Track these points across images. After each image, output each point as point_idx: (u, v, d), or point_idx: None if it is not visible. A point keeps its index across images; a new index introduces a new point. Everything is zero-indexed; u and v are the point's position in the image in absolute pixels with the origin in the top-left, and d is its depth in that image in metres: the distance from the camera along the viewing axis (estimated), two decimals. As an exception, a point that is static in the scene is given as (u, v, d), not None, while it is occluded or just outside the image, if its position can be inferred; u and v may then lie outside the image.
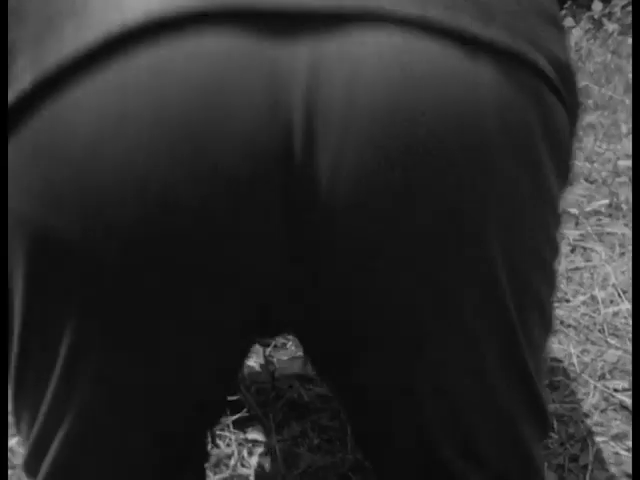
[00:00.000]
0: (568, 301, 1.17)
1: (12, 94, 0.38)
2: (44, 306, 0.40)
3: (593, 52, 2.58)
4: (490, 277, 0.41)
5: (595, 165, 1.69)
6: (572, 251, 1.33)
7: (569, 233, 1.39)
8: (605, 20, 2.74)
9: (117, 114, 0.36)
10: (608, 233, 1.39)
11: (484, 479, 0.48)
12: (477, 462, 0.48)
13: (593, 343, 1.05)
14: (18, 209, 0.38)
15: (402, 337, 0.42)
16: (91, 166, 0.36)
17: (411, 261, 0.39)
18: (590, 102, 2.18)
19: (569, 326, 1.10)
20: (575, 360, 1.01)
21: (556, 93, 0.43)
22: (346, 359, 0.45)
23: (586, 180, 1.65)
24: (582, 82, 2.29)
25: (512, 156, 0.39)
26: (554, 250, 0.47)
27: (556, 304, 1.13)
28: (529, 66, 0.40)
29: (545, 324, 0.49)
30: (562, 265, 1.26)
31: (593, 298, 1.17)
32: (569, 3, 3.16)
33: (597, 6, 2.86)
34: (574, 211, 1.47)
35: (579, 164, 1.71)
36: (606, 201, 1.50)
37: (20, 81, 0.38)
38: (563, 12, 3.12)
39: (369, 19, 0.37)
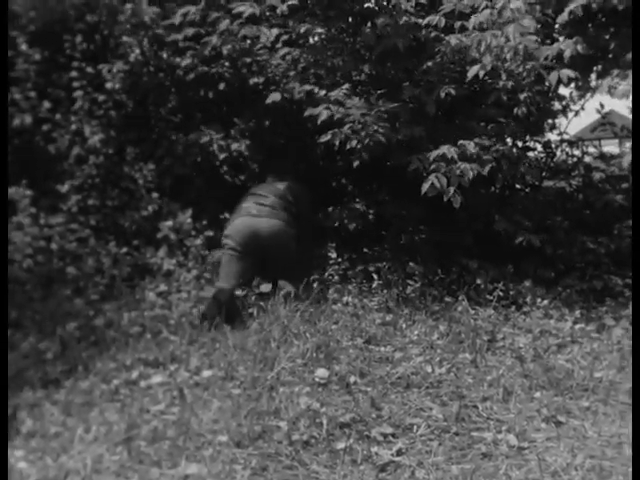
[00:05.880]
0: None
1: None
2: (234, 245, 3.80)
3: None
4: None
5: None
6: None
7: None
8: (642, 320, 3.14)
9: (242, 226, 3.81)
10: None
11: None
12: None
13: None
14: (232, 233, 3.79)
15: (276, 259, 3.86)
16: (241, 233, 3.76)
17: (273, 249, 3.81)
18: (634, 404, 2.46)
19: None
20: None
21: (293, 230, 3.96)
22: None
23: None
24: (626, 384, 2.60)
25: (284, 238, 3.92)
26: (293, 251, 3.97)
27: None
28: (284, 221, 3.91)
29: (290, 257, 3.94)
30: None
31: None
32: (609, 301, 3.61)
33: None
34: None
35: None
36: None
37: (230, 228, 3.89)
38: (604, 309, 3.56)
39: (262, 216, 3.85)
